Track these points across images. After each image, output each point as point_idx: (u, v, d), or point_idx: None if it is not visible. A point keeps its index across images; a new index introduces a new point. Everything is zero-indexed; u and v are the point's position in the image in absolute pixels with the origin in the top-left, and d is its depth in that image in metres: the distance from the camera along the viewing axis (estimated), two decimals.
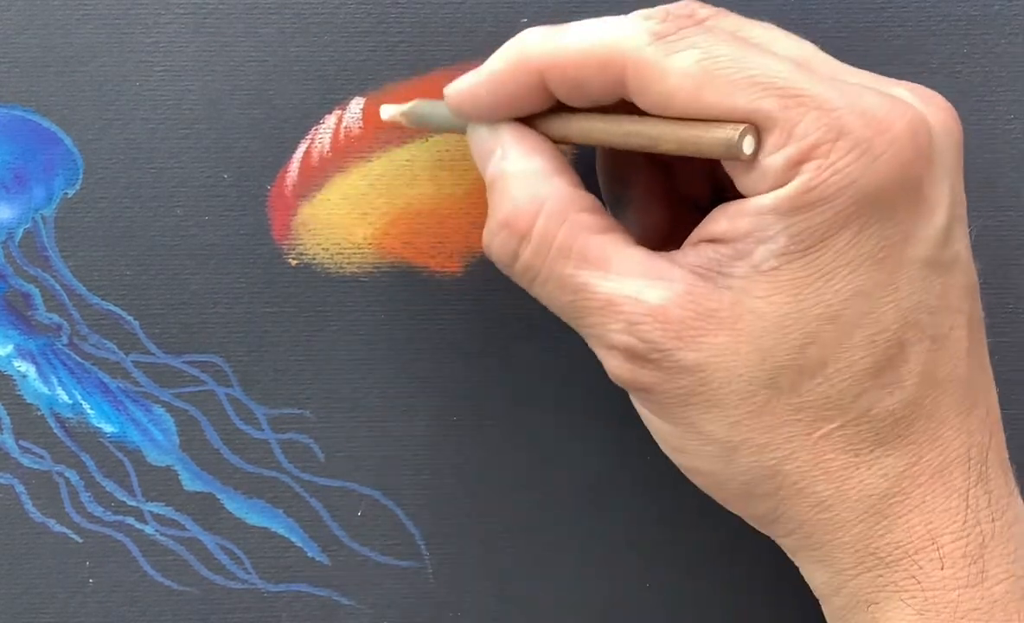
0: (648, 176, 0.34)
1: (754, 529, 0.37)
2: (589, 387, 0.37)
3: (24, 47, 0.36)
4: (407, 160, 0.36)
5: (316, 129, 0.36)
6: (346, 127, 0.36)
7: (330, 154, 0.36)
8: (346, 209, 0.36)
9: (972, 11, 0.37)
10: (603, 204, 0.31)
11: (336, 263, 0.36)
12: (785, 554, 0.35)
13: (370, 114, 0.36)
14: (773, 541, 0.36)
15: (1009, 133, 0.37)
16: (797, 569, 0.36)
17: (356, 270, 0.37)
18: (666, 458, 0.37)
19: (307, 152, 0.36)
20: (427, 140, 0.36)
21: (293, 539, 0.37)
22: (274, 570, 0.37)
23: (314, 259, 0.36)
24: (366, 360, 0.37)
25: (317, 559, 0.37)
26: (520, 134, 0.31)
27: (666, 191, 0.34)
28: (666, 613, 0.38)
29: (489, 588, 0.37)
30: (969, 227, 0.30)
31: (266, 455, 0.37)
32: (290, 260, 0.36)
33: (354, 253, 0.36)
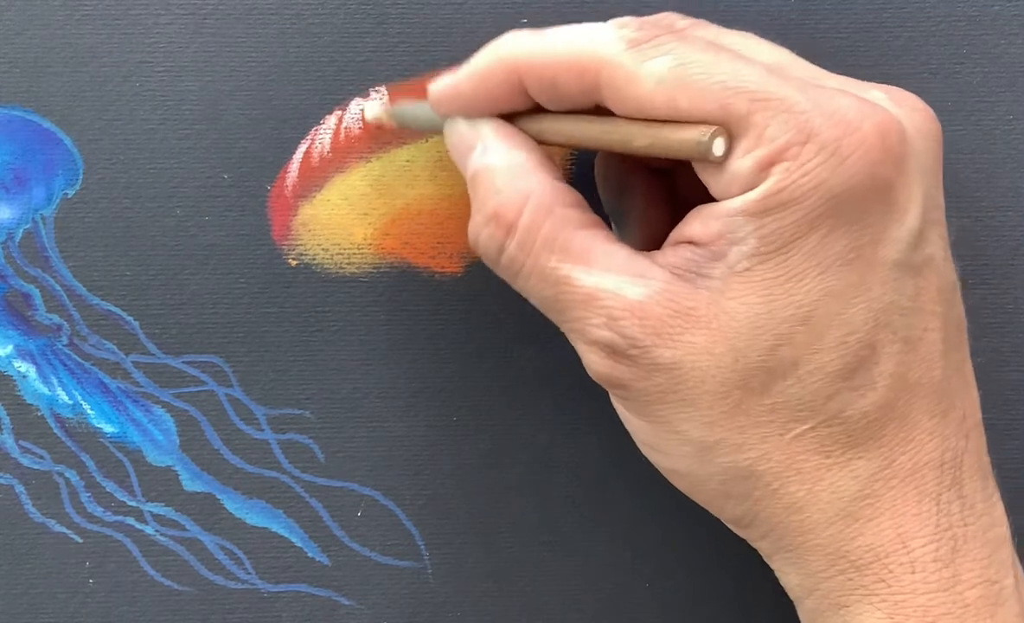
0: (647, 184, 0.34)
1: None
2: (588, 387, 0.37)
3: (24, 47, 0.36)
4: (407, 160, 0.36)
5: (316, 129, 0.36)
6: (346, 127, 0.36)
7: (330, 154, 0.36)
8: (346, 209, 0.36)
9: (972, 11, 0.37)
10: (587, 202, 0.31)
11: (336, 263, 0.36)
12: None
13: None
14: None
15: (1009, 133, 0.37)
16: None
17: (356, 270, 0.37)
18: None
19: (307, 152, 0.36)
20: (427, 140, 0.36)
21: (293, 539, 0.37)
22: (274, 570, 0.37)
23: (314, 259, 0.36)
24: (366, 360, 0.37)
25: (317, 559, 0.37)
26: (501, 129, 0.31)
27: (666, 198, 0.34)
28: (665, 613, 0.38)
29: (489, 588, 0.37)
30: (949, 228, 0.30)
31: (266, 455, 0.37)
32: (290, 260, 0.36)
33: (354, 253, 0.36)
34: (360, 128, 0.36)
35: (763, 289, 0.28)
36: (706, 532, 0.37)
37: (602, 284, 0.29)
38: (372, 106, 0.35)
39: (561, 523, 0.37)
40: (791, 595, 0.31)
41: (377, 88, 0.36)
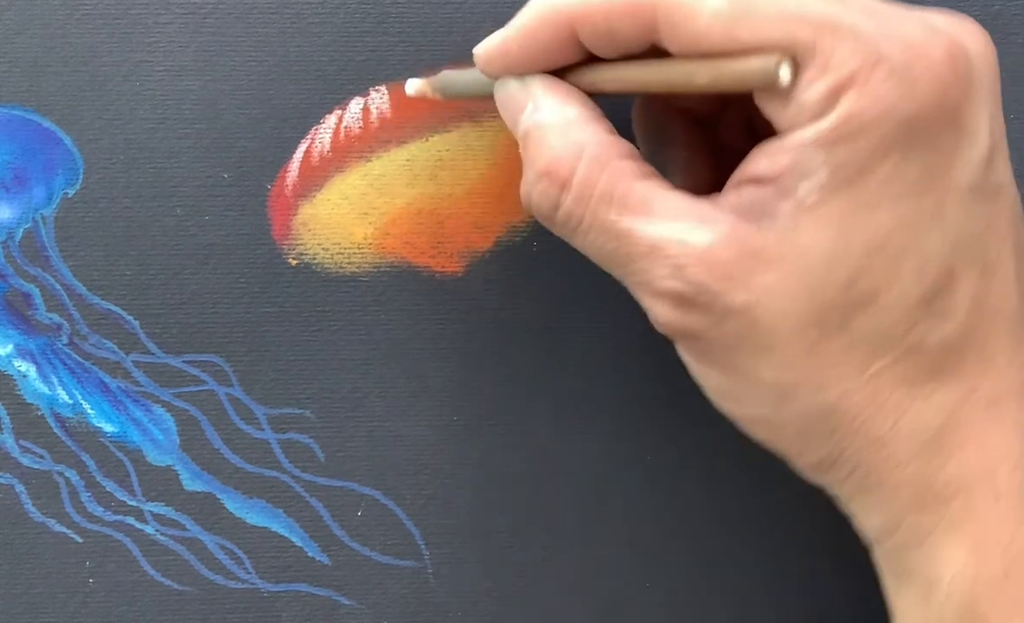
0: (687, 133, 0.33)
1: (754, 529, 0.37)
2: (589, 387, 0.37)
3: (24, 47, 0.36)
4: (407, 160, 0.36)
5: (316, 129, 0.36)
6: (346, 127, 0.36)
7: (330, 154, 0.36)
8: (346, 209, 0.36)
9: (972, 11, 0.37)
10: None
11: (336, 263, 0.36)
12: (786, 555, 0.35)
13: (369, 114, 0.36)
14: (773, 541, 0.36)
15: (1009, 133, 0.37)
16: (798, 570, 0.36)
17: (356, 270, 0.37)
18: (665, 458, 0.37)
19: (307, 152, 0.36)
20: (427, 140, 0.36)
21: (293, 539, 0.37)
22: (274, 570, 0.37)
23: (314, 259, 0.36)
24: (366, 360, 0.37)
25: (317, 559, 0.37)
26: (551, 85, 0.31)
27: (707, 147, 0.33)
28: (666, 613, 0.38)
29: (489, 588, 0.37)
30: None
31: (266, 455, 0.37)
32: (290, 260, 0.36)
33: (354, 253, 0.36)
34: (360, 128, 0.36)
35: (836, 222, 0.27)
36: (707, 533, 0.37)
37: (665, 233, 0.28)
38: (413, 82, 0.34)
39: (561, 523, 0.37)
40: (869, 538, 0.31)
41: (377, 87, 0.36)
